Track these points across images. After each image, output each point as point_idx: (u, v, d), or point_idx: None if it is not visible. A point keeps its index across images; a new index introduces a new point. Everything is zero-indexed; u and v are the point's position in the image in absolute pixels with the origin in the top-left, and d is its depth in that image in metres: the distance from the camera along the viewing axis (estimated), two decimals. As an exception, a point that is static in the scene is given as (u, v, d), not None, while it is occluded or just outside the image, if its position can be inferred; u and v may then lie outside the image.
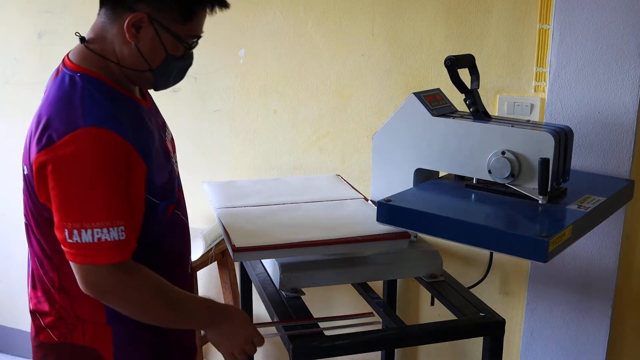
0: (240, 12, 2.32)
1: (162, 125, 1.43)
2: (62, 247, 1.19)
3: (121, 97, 1.27)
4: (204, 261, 2.32)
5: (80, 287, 1.21)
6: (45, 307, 1.35)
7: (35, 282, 1.36)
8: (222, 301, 2.53)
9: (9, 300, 3.03)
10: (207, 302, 1.37)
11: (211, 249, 2.33)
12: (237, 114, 2.41)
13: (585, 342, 2.02)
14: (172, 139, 1.46)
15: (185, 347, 1.52)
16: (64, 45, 2.55)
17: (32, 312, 1.38)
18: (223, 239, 2.26)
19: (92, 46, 1.28)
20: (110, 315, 1.31)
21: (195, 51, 2.44)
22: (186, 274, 1.49)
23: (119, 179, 1.18)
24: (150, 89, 1.36)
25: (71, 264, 1.20)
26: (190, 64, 1.36)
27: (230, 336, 1.37)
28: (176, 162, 1.45)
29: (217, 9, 1.31)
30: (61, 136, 1.16)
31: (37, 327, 1.37)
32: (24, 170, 1.28)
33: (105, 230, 1.16)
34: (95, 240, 1.16)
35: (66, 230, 1.16)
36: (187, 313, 1.31)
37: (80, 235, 1.16)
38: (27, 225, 1.34)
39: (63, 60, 1.31)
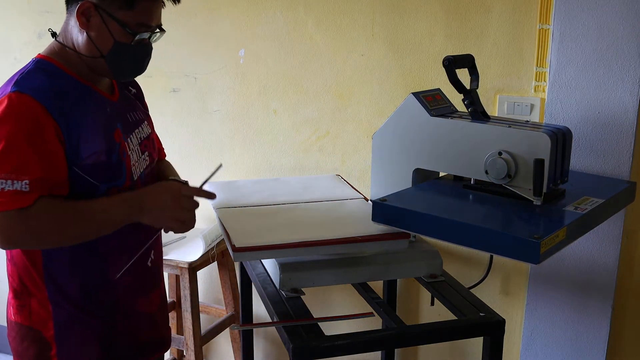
0: (240, 12, 2.33)
1: (133, 123, 1.50)
2: None
3: (68, 78, 1.37)
4: (204, 261, 2.32)
5: None
6: (9, 281, 1.47)
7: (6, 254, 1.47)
8: (223, 301, 2.53)
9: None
10: (122, 196, 1.39)
11: (211, 249, 2.34)
12: (237, 114, 2.41)
13: (585, 342, 2.02)
14: (146, 137, 1.54)
15: (141, 342, 1.55)
16: (64, 45, 2.56)
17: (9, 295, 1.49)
18: (223, 239, 2.26)
19: (59, 39, 1.41)
20: (51, 291, 1.40)
21: (195, 51, 2.44)
22: (141, 266, 1.52)
23: (31, 137, 1.27)
24: (111, 77, 1.45)
25: None
26: (147, 55, 1.42)
27: (161, 214, 1.40)
28: (144, 158, 1.52)
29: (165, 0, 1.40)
30: None
31: (8, 305, 1.49)
32: None
33: (9, 182, 1.25)
34: (1, 190, 1.25)
35: None
36: (101, 216, 1.36)
37: None
38: None
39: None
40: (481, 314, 1.54)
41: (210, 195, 1.46)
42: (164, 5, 1.42)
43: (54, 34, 1.43)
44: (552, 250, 1.31)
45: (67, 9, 1.39)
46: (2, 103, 1.28)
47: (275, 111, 2.34)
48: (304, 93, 2.29)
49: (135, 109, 1.55)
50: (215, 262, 2.42)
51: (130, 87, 1.58)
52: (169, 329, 1.70)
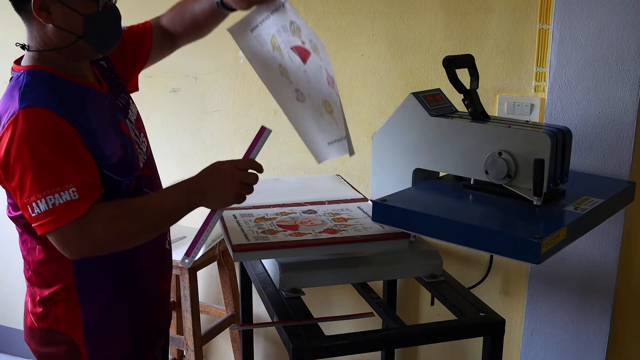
0: (241, 12, 2.32)
1: (124, 108, 1.48)
2: (33, 225, 1.26)
3: (64, 82, 1.34)
4: (204, 261, 2.32)
5: (63, 254, 1.28)
6: (29, 293, 1.46)
7: (24, 270, 1.47)
8: (222, 301, 2.53)
9: (9, 300, 3.03)
10: (179, 186, 1.37)
11: (212, 248, 2.34)
12: (237, 114, 2.41)
13: (585, 342, 2.02)
14: (136, 119, 1.52)
15: (158, 322, 1.58)
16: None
17: (26, 297, 1.49)
18: (223, 239, 2.26)
19: (30, 48, 1.37)
20: (83, 295, 1.40)
21: (195, 51, 2.43)
22: (163, 248, 1.56)
23: (58, 146, 1.25)
24: (98, 57, 1.41)
25: (47, 236, 1.27)
26: (117, 15, 1.38)
27: (222, 194, 1.37)
28: (142, 140, 1.51)
29: None
30: (3, 127, 1.26)
31: (25, 311, 1.48)
32: None
33: (57, 195, 1.22)
34: (51, 206, 1.22)
35: (28, 207, 1.24)
36: (160, 209, 1.35)
37: (38, 206, 1.23)
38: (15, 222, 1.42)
39: (12, 69, 1.40)
40: (481, 314, 1.54)
41: (260, 168, 1.41)
42: None
43: (24, 47, 1.40)
44: (552, 250, 1.31)
45: (22, 17, 1.38)
46: (17, 122, 1.24)
47: (275, 111, 2.34)
48: (304, 93, 2.29)
49: (119, 90, 1.51)
50: (215, 262, 2.42)
51: (100, 63, 1.51)
52: (170, 305, 1.73)
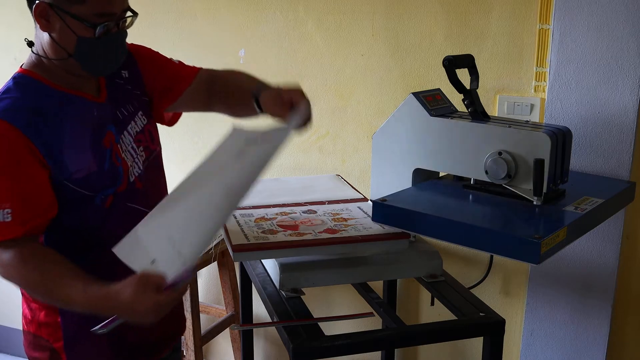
0: (240, 12, 2.33)
1: (122, 119, 1.44)
2: None
3: (47, 90, 1.32)
4: (204, 261, 2.32)
5: None
6: (22, 294, 1.44)
7: None
8: (222, 301, 2.53)
9: (9, 300, 3.03)
10: (88, 294, 1.23)
11: (211, 249, 2.34)
12: (237, 114, 2.40)
13: (585, 342, 2.02)
14: (141, 130, 1.48)
15: (153, 337, 1.52)
16: (64, 45, 2.55)
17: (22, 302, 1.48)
18: (223, 239, 2.26)
19: (33, 48, 1.35)
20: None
21: (195, 51, 2.43)
22: None
23: (10, 164, 1.23)
24: (87, 76, 1.37)
25: None
26: (117, 46, 1.35)
27: (132, 316, 1.21)
28: (140, 154, 1.46)
29: None
30: None
31: (22, 314, 1.47)
32: None
33: None
34: None
35: None
36: (63, 302, 1.29)
37: None
38: None
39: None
40: (481, 314, 1.54)
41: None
42: None
43: (30, 43, 1.37)
44: (552, 250, 1.32)
45: (31, 13, 1.32)
46: None
47: (275, 111, 2.34)
48: (304, 93, 2.29)
49: (126, 101, 1.47)
50: (215, 262, 2.42)
51: (122, 72, 1.47)
52: (183, 317, 1.68)
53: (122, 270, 1.27)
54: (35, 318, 1.42)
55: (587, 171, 1.88)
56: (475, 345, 2.12)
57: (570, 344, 2.03)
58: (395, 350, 2.27)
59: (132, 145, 1.45)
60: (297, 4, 2.23)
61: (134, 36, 1.48)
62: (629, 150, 1.85)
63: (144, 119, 1.51)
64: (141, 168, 1.47)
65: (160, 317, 1.20)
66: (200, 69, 1.61)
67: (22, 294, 1.44)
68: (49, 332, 1.41)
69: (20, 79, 1.33)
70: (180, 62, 1.60)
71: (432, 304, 1.72)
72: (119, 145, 1.41)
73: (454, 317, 1.57)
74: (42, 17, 1.27)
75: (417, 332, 1.57)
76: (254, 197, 1.86)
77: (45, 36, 1.29)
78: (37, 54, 1.34)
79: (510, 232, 1.34)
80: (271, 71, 2.31)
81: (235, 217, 1.70)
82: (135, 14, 1.35)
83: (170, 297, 1.18)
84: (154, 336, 1.53)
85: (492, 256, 1.79)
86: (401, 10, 2.09)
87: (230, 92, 1.58)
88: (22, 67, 1.37)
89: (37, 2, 1.26)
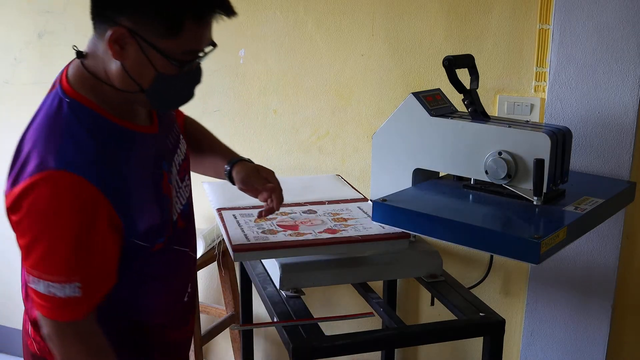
0: (240, 12, 2.32)
1: (172, 150, 1.30)
2: (29, 292, 1.16)
3: (110, 129, 1.15)
4: (204, 261, 2.32)
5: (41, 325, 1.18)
6: (29, 317, 1.32)
7: (24, 292, 1.34)
8: (222, 301, 2.53)
9: (9, 300, 3.03)
10: None
11: (212, 248, 2.34)
12: (237, 114, 2.41)
13: (585, 342, 2.02)
14: (184, 158, 1.35)
15: None
16: (64, 45, 2.56)
17: (24, 315, 1.37)
18: (223, 239, 2.26)
19: (86, 63, 1.16)
20: None
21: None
22: (181, 301, 1.40)
23: (83, 232, 1.09)
24: (149, 108, 1.23)
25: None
26: (196, 81, 1.20)
27: None
28: (186, 184, 1.36)
29: (221, 16, 1.15)
30: (31, 174, 1.08)
31: (25, 332, 1.35)
32: None
33: (58, 285, 1.09)
34: (48, 294, 1.10)
35: (26, 272, 1.13)
36: None
37: (36, 283, 1.10)
38: None
39: (61, 73, 1.20)
40: (481, 314, 1.54)
41: None
42: (217, 20, 1.15)
43: (79, 54, 1.17)
44: (552, 250, 1.32)
45: (95, 26, 1.13)
46: (46, 184, 1.06)
47: (275, 111, 2.34)
48: (304, 93, 2.29)
49: (172, 126, 1.32)
50: (215, 262, 2.42)
51: None
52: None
53: (153, 309, 1.29)
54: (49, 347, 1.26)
55: (587, 171, 1.88)
56: (475, 345, 2.12)
57: (570, 344, 2.03)
58: (395, 350, 2.27)
59: (176, 178, 1.30)
60: (297, 4, 2.23)
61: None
62: (629, 150, 1.85)
63: (185, 145, 1.36)
64: (183, 204, 1.32)
65: None
66: (186, 116, 1.54)
67: (30, 318, 1.31)
68: None
69: (76, 111, 1.13)
70: None
71: (432, 304, 1.72)
72: (171, 186, 1.27)
73: (454, 317, 1.57)
74: (117, 43, 1.08)
75: (417, 332, 1.57)
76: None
77: (114, 63, 1.12)
78: (93, 74, 1.14)
79: (510, 232, 1.34)
80: (271, 71, 2.32)
81: (235, 217, 1.70)
82: (214, 45, 1.18)
83: None
84: None
85: (492, 256, 1.79)
86: (401, 10, 2.09)
87: (203, 154, 1.52)
88: (71, 85, 1.15)
89: (116, 26, 1.08)
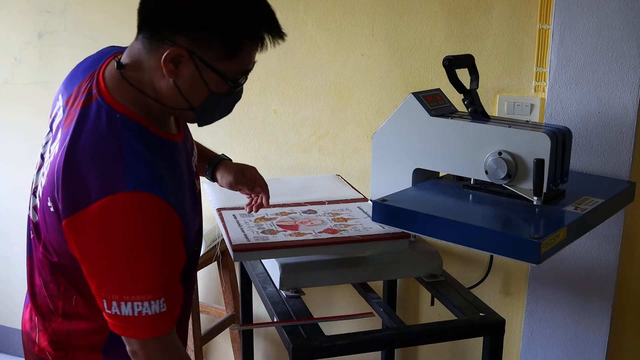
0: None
1: (191, 151, 1.32)
2: (108, 320, 1.12)
3: (158, 142, 1.15)
4: (204, 261, 2.32)
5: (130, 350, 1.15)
6: (41, 325, 1.29)
7: (35, 295, 1.30)
8: (222, 301, 2.53)
9: (9, 300, 3.03)
10: None
11: (212, 248, 2.34)
12: (237, 114, 2.39)
13: (585, 342, 2.02)
14: (196, 162, 1.36)
15: None
16: (64, 45, 2.56)
17: (30, 319, 1.34)
18: (223, 239, 2.26)
19: (128, 75, 1.14)
20: (108, 342, 1.24)
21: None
22: (190, 299, 1.41)
23: (163, 248, 1.09)
24: (191, 122, 1.24)
25: (123, 338, 1.14)
26: (239, 98, 1.22)
27: None
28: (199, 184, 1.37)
29: (270, 43, 1.16)
30: (99, 197, 1.06)
31: (30, 337, 1.33)
32: (46, 200, 1.16)
33: (146, 303, 1.08)
34: (136, 314, 1.08)
35: (104, 300, 1.10)
36: None
37: (119, 308, 1.08)
38: (40, 245, 1.23)
39: (97, 83, 1.16)
40: (481, 314, 1.54)
41: None
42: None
43: (120, 65, 1.15)
44: (552, 250, 1.32)
45: (142, 36, 1.12)
46: (121, 205, 1.05)
47: (275, 111, 2.34)
48: (304, 93, 2.29)
49: (187, 129, 1.34)
50: (215, 262, 2.42)
51: None
52: None
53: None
54: (69, 355, 1.27)
55: (587, 171, 1.88)
56: (475, 345, 2.12)
57: (570, 344, 2.03)
58: (395, 350, 2.27)
59: (198, 183, 1.34)
60: (297, 4, 2.23)
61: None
62: (629, 150, 1.85)
63: (195, 149, 1.38)
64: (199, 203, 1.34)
65: None
66: None
67: (44, 327, 1.28)
68: None
69: (131, 125, 1.11)
70: None
71: (432, 304, 1.72)
72: (199, 188, 1.31)
73: (454, 317, 1.57)
74: (172, 62, 1.09)
75: (417, 332, 1.57)
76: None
77: (164, 80, 1.12)
78: (138, 89, 1.14)
79: (510, 232, 1.34)
80: (271, 71, 2.31)
81: (235, 217, 1.70)
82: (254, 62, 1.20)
83: None
84: None
85: (492, 256, 1.79)
86: (401, 10, 2.09)
87: None
88: (115, 97, 1.13)
89: (174, 45, 1.08)
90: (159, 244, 1.08)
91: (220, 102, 1.17)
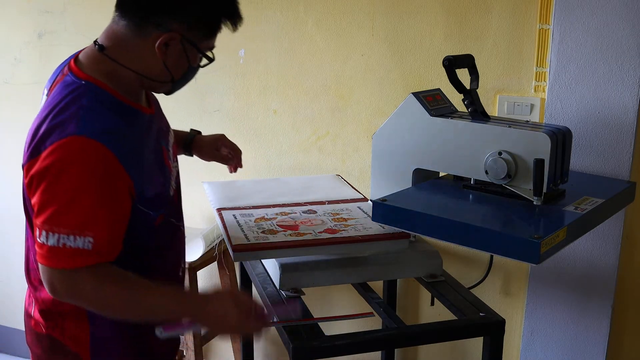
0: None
1: (166, 131, 1.45)
2: (36, 249, 1.21)
3: (124, 108, 1.28)
4: (204, 261, 2.32)
5: (44, 287, 1.23)
6: (33, 297, 1.39)
7: (30, 271, 1.40)
8: (222, 301, 2.53)
9: (9, 300, 3.03)
10: (184, 295, 1.38)
11: (212, 248, 2.34)
12: (237, 114, 2.41)
13: (585, 342, 2.02)
14: (173, 142, 1.50)
15: (170, 345, 1.50)
16: (64, 45, 2.56)
17: (28, 297, 1.43)
18: (223, 239, 2.26)
19: (111, 54, 1.28)
20: (91, 312, 1.32)
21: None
22: (177, 276, 1.49)
23: (100, 192, 1.18)
24: (161, 93, 1.40)
25: (39, 265, 1.22)
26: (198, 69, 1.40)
27: (217, 324, 1.30)
28: (175, 165, 1.48)
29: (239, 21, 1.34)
30: (52, 142, 1.18)
31: (27, 313, 1.43)
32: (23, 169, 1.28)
33: (71, 237, 1.16)
34: (60, 245, 1.17)
35: (38, 229, 1.19)
36: (158, 310, 1.27)
37: (47, 237, 1.17)
38: (26, 220, 1.36)
39: (69, 62, 1.31)
40: (481, 314, 1.54)
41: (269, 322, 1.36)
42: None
43: (101, 47, 1.29)
44: (552, 250, 1.31)
45: (126, 21, 1.27)
46: (68, 147, 1.17)
47: (275, 111, 2.34)
48: (304, 93, 2.29)
49: (162, 112, 1.49)
50: (215, 262, 2.42)
51: None
52: None
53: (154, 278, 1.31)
54: (59, 325, 1.36)
55: (587, 171, 1.88)
56: (475, 345, 2.12)
57: (570, 344, 2.03)
58: (395, 350, 2.27)
59: (172, 160, 1.44)
60: (297, 4, 2.23)
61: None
62: (629, 150, 1.85)
63: (171, 129, 1.52)
64: (175, 182, 1.46)
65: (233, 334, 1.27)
66: None
67: (35, 298, 1.38)
68: (75, 341, 1.36)
69: (96, 93, 1.25)
70: None
71: (432, 304, 1.72)
72: (170, 162, 1.41)
73: (454, 317, 1.57)
74: (164, 44, 1.25)
75: (417, 332, 1.57)
76: (254, 197, 1.86)
77: (152, 59, 1.26)
78: (116, 61, 1.27)
79: (510, 232, 1.34)
80: (271, 71, 2.32)
81: (235, 217, 1.70)
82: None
83: (258, 326, 1.29)
84: (170, 346, 1.50)
85: (492, 256, 1.79)
86: (401, 10, 2.09)
87: None
88: (83, 70, 1.28)
89: (168, 31, 1.24)
90: (96, 186, 1.18)
91: (191, 74, 1.36)
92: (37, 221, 1.19)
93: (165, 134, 1.44)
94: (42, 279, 1.22)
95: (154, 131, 1.37)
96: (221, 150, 1.76)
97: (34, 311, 1.39)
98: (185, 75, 1.34)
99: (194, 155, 1.76)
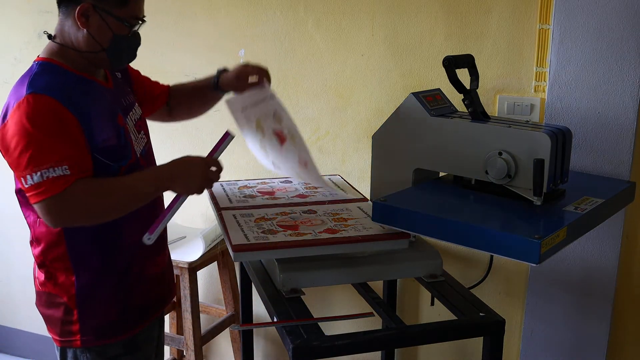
0: (240, 12, 2.33)
1: (126, 105, 1.63)
2: (27, 194, 1.41)
3: (72, 75, 1.50)
4: (204, 261, 2.32)
5: (46, 222, 1.45)
6: (34, 256, 1.61)
7: (31, 242, 1.62)
8: (223, 301, 2.53)
9: (9, 300, 3.03)
10: (150, 170, 1.57)
11: (212, 248, 2.34)
12: (237, 114, 2.40)
13: (585, 342, 2.02)
14: (139, 118, 1.67)
15: (149, 300, 1.68)
16: (64, 45, 2.55)
17: (33, 264, 1.65)
18: (223, 239, 2.26)
19: (58, 39, 1.53)
20: (74, 264, 1.55)
21: (195, 51, 2.44)
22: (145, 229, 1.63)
23: (57, 130, 1.41)
24: (109, 68, 1.59)
25: (34, 206, 1.42)
26: (138, 43, 1.57)
27: (188, 183, 1.51)
28: (142, 136, 1.66)
29: None
30: (12, 107, 1.42)
31: (34, 278, 1.65)
32: None
33: (50, 169, 1.39)
34: (44, 178, 1.39)
35: (22, 179, 1.40)
36: (132, 190, 1.50)
37: (32, 178, 1.39)
38: (19, 198, 1.57)
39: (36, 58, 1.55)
40: (481, 314, 1.54)
41: (221, 168, 1.57)
42: None
43: (50, 36, 1.55)
44: (552, 250, 1.31)
45: (61, 10, 1.52)
46: (22, 105, 1.40)
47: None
48: (303, 93, 2.29)
49: (126, 93, 1.68)
50: (215, 262, 2.42)
51: (116, 74, 1.69)
52: (174, 285, 1.86)
53: (130, 232, 1.57)
54: (52, 279, 1.57)
55: (587, 171, 1.88)
56: (475, 345, 2.12)
57: (570, 344, 2.03)
58: (395, 350, 2.27)
59: (134, 129, 1.63)
60: (297, 4, 2.23)
61: (134, 36, 1.49)
62: (629, 150, 1.85)
63: (140, 110, 1.71)
64: (142, 149, 1.65)
65: (203, 190, 1.52)
66: (169, 87, 1.85)
67: (35, 257, 1.60)
68: (64, 291, 1.57)
69: (45, 66, 1.50)
70: (155, 81, 1.84)
71: (432, 304, 1.72)
72: (127, 126, 1.59)
73: (454, 317, 1.57)
74: (83, 15, 1.46)
75: (417, 332, 1.57)
76: (254, 197, 1.86)
77: (81, 32, 1.48)
78: (60, 44, 1.52)
79: (510, 232, 1.34)
80: (271, 71, 2.31)
81: (235, 217, 1.70)
82: (145, 21, 1.56)
83: (216, 174, 1.53)
84: (151, 299, 1.69)
85: (492, 256, 1.79)
86: (401, 10, 2.09)
87: (189, 92, 1.85)
88: (41, 56, 1.53)
89: (82, 3, 1.45)
90: (55, 128, 1.41)
91: (124, 43, 1.52)
92: (20, 173, 1.41)
93: (125, 110, 1.61)
94: (40, 215, 1.43)
95: (107, 99, 1.56)
96: (248, 80, 1.80)
97: (37, 271, 1.61)
98: (115, 44, 1.50)
99: (226, 92, 1.81)
